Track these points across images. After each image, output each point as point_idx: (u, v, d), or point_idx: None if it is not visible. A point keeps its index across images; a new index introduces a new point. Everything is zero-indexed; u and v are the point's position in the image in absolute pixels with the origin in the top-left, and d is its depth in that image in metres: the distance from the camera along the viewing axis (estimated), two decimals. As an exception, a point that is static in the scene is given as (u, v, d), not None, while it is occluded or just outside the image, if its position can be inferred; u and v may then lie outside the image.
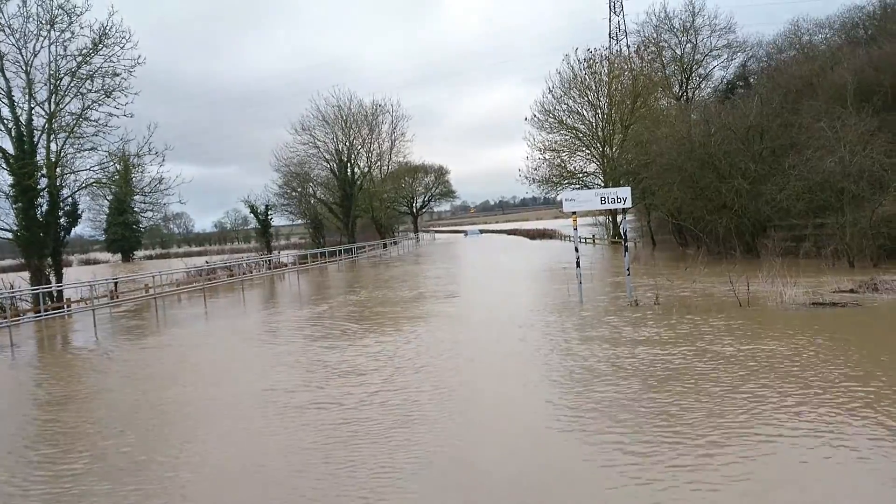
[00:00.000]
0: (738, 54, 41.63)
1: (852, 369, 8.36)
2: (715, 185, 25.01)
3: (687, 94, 43.01)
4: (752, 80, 37.43)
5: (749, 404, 7.25)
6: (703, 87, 43.74)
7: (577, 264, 17.43)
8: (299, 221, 63.94)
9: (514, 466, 6.12)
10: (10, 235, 25.28)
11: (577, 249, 18.00)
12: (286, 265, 40.95)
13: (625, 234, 18.64)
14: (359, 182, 58.64)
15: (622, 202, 16.42)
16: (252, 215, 56.63)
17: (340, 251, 43.77)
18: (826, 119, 22.02)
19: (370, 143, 59.50)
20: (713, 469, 5.62)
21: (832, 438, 6.13)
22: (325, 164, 57.79)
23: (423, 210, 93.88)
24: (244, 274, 34.82)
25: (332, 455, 6.67)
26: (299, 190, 57.51)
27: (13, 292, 22.88)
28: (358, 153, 58.53)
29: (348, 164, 57.25)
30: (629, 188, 16.88)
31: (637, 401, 7.70)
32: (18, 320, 19.87)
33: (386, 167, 65.16)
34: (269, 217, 55.50)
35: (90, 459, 7.18)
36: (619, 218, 40.58)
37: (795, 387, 7.77)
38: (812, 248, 21.68)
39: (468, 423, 7.46)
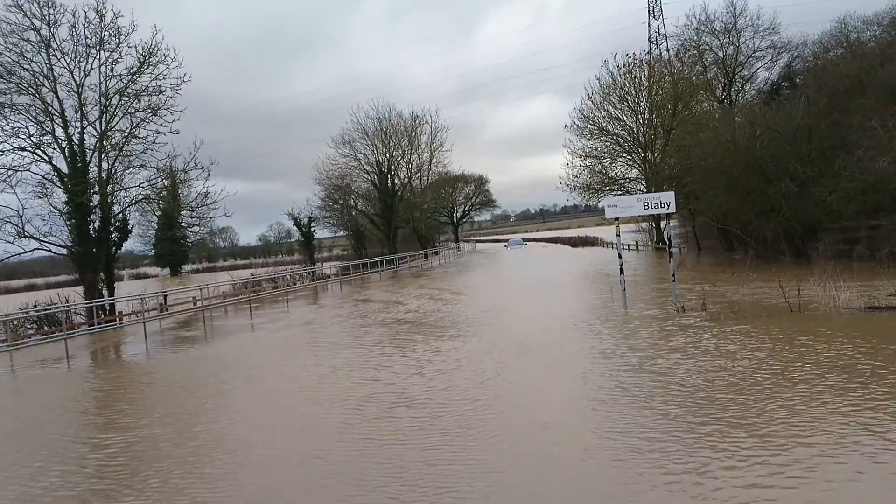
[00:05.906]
0: (783, 55, 40.56)
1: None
2: (762, 188, 24.42)
3: (730, 96, 42.17)
4: (798, 80, 36.45)
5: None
6: (746, 89, 42.82)
7: (621, 271, 17.22)
8: (341, 233, 64.67)
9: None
10: (65, 251, 26.13)
11: (620, 256, 17.79)
12: (329, 276, 41.40)
13: (669, 239, 18.36)
14: (399, 193, 58.97)
15: (666, 207, 16.15)
16: (295, 227, 57.87)
17: (382, 262, 43.96)
18: (877, 118, 21.29)
19: (410, 154, 59.79)
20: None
21: None
22: (365, 176, 58.31)
23: (464, 220, 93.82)
24: (288, 286, 35.32)
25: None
26: (341, 202, 58.17)
27: (68, 306, 23.66)
28: (398, 164, 58.89)
29: (388, 176, 57.66)
30: (673, 193, 16.58)
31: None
32: (73, 333, 20.49)
33: (426, 178, 65.29)
34: (312, 229, 56.45)
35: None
36: (662, 223, 40.00)
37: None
38: (866, 250, 20.93)
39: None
